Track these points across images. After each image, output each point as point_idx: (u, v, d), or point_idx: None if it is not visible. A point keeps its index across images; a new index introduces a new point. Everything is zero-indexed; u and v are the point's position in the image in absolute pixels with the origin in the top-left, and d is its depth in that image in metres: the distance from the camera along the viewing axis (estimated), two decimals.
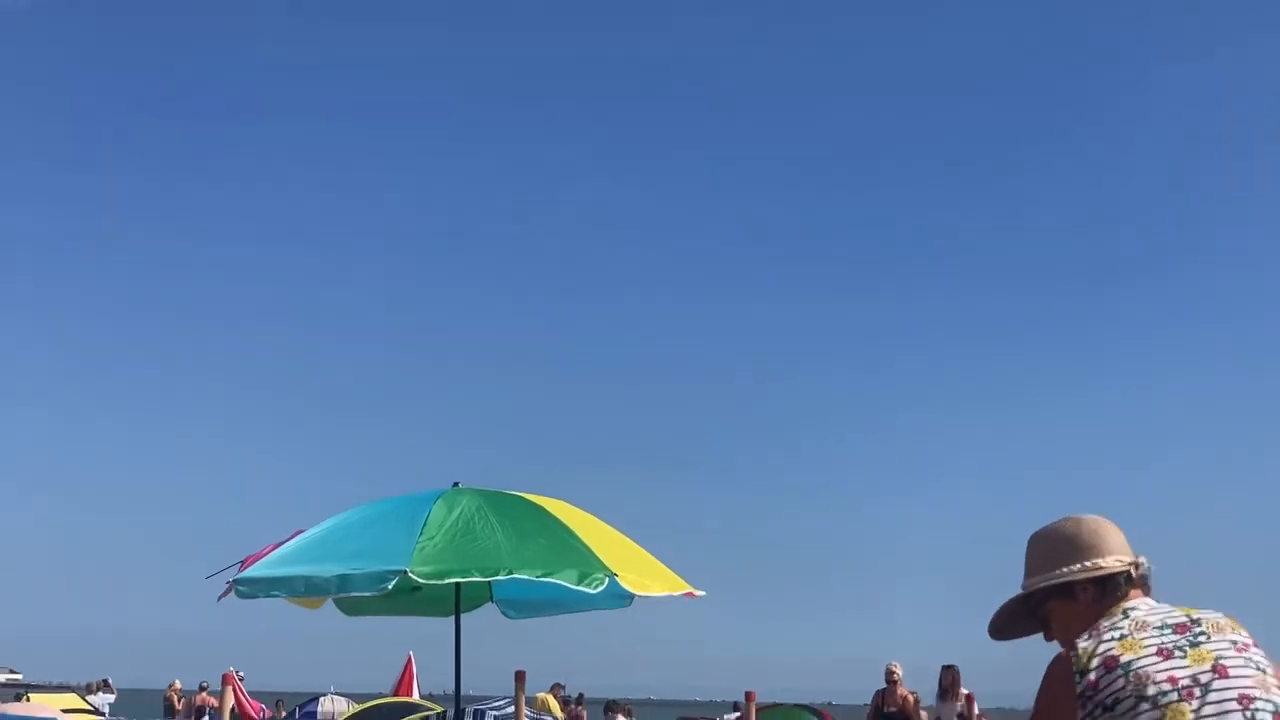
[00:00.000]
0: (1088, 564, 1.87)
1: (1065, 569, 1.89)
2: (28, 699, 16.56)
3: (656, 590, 6.07)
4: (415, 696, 14.13)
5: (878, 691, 9.73)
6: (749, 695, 7.96)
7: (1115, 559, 1.87)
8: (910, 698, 9.11)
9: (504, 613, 7.13)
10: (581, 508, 6.48)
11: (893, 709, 9.47)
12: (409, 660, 16.32)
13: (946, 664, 9.65)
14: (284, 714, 15.68)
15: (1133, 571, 1.87)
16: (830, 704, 16.52)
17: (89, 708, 18.96)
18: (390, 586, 5.43)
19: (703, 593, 6.30)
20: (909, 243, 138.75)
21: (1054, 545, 1.93)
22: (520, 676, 6.08)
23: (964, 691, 9.61)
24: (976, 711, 9.60)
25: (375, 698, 13.40)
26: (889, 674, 9.58)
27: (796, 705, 12.27)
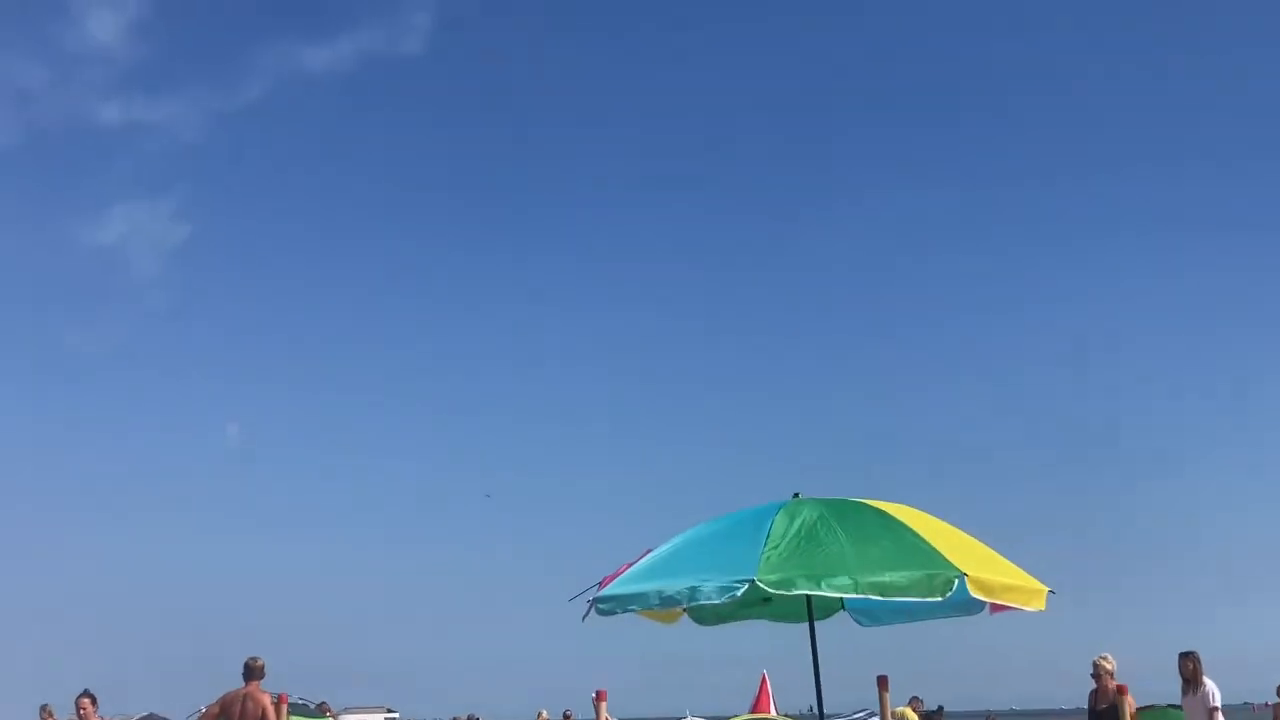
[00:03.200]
0: None
1: None
2: None
3: (1012, 596, 5.87)
4: (772, 713, 14.27)
5: (1090, 692, 9.19)
6: (1121, 688, 7.52)
7: None
8: (1122, 690, 8.28)
9: (856, 620, 7.12)
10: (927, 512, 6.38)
11: (1103, 706, 8.91)
12: (763, 679, 16.52)
13: (1185, 651, 8.84)
14: None
15: None
16: None
17: None
18: (739, 595, 5.56)
19: (1053, 591, 6.01)
20: None
21: None
22: (883, 682, 6.03)
23: (1208, 684, 8.73)
24: (1215, 704, 8.65)
25: (731, 718, 13.66)
26: (1096, 669, 9.09)
27: (1170, 705, 11.41)
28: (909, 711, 14.42)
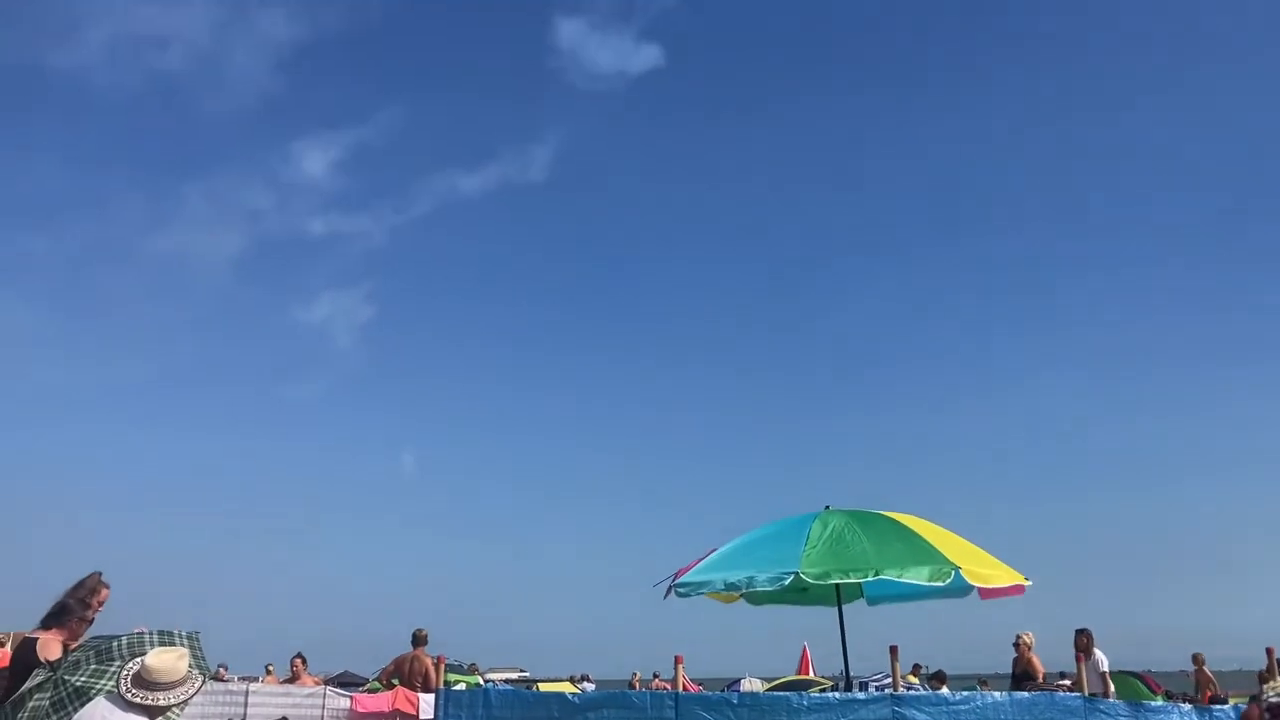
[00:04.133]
0: None
1: None
2: (537, 688, 20.58)
3: (995, 582, 7.59)
4: (812, 675, 16.27)
5: (1013, 659, 10.66)
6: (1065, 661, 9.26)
7: None
8: (1033, 660, 10.22)
9: (870, 602, 8.89)
10: (930, 519, 8.12)
11: (1019, 670, 10.48)
12: (804, 649, 18.61)
13: (1079, 628, 10.26)
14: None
15: None
16: (1150, 671, 16.79)
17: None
18: (786, 584, 7.32)
19: (1030, 582, 7.74)
20: None
21: None
22: (894, 651, 7.78)
23: (1098, 653, 10.16)
24: (1104, 669, 10.13)
25: (783, 678, 15.60)
26: (1016, 641, 10.55)
27: (1124, 672, 12.98)
28: (912, 676, 16.52)
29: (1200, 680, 14.61)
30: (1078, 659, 8.62)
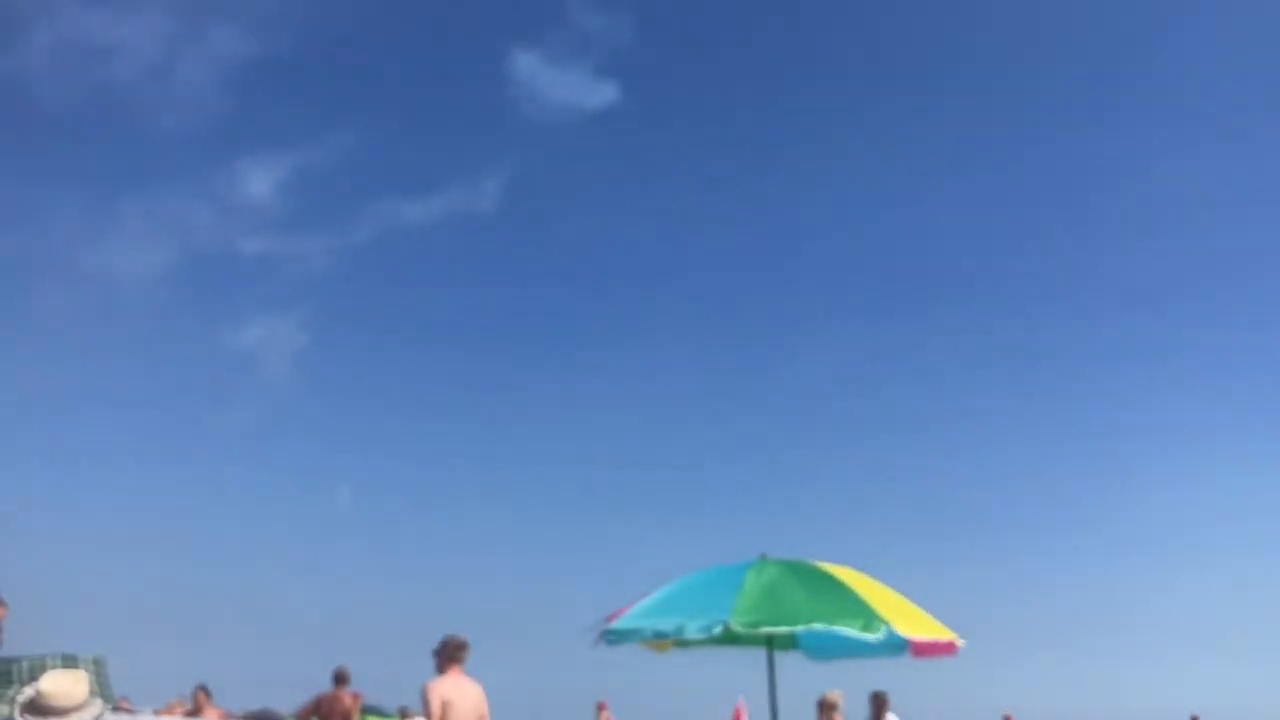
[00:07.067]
0: None
1: None
2: None
3: (928, 636, 7.53)
4: None
5: None
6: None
7: None
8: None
9: (809, 656, 8.78)
10: (865, 571, 8.05)
11: None
12: (739, 703, 18.33)
13: (875, 691, 10.34)
14: None
15: None
16: None
17: None
18: (717, 633, 7.18)
19: (964, 643, 7.68)
20: None
21: None
22: (824, 705, 7.71)
23: (890, 716, 10.21)
24: None
25: None
26: (821, 703, 10.18)
27: None
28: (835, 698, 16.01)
29: None
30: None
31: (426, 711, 7.13)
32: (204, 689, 11.16)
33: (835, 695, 10.10)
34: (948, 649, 7.89)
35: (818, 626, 7.12)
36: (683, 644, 8.69)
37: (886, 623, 7.12)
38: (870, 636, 7.11)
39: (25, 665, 4.87)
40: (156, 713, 12.52)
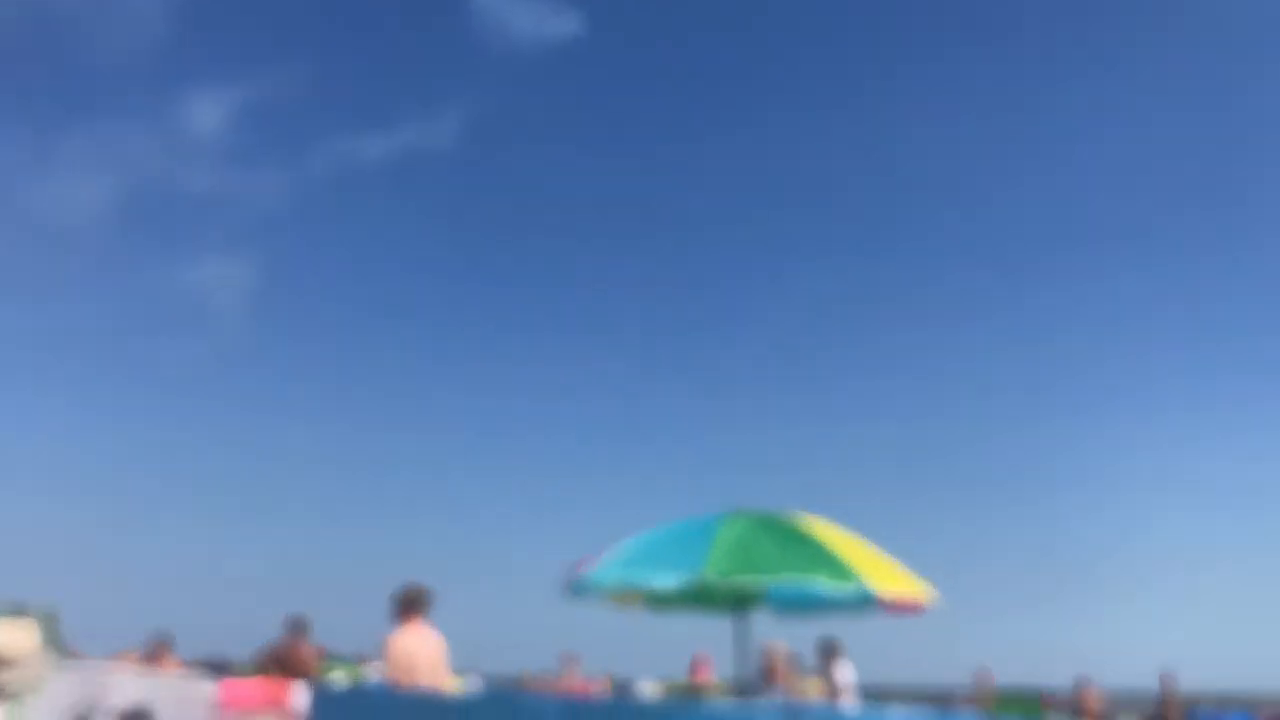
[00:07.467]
0: None
1: None
2: None
3: (900, 593, 7.38)
4: (712, 680, 16.04)
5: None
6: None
7: None
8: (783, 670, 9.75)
9: (776, 610, 8.63)
10: (842, 523, 7.89)
11: (768, 682, 10.01)
12: (702, 655, 18.35)
13: (825, 637, 10.38)
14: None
15: None
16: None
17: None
18: (687, 585, 7.01)
19: (937, 598, 7.54)
20: None
21: None
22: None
23: (842, 664, 10.28)
24: (848, 681, 10.17)
25: (680, 683, 15.38)
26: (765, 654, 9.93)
27: (1016, 690, 13.11)
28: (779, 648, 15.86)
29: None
30: (821, 670, 8.53)
31: (389, 663, 6.92)
32: (164, 639, 10.88)
33: (776, 644, 9.80)
34: (919, 605, 7.75)
35: (790, 578, 6.98)
36: (651, 600, 8.54)
37: (859, 576, 6.98)
38: (841, 590, 6.98)
39: None
40: (106, 661, 12.24)
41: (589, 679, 16.25)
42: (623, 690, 14.88)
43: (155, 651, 10.88)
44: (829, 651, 10.34)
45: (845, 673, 10.25)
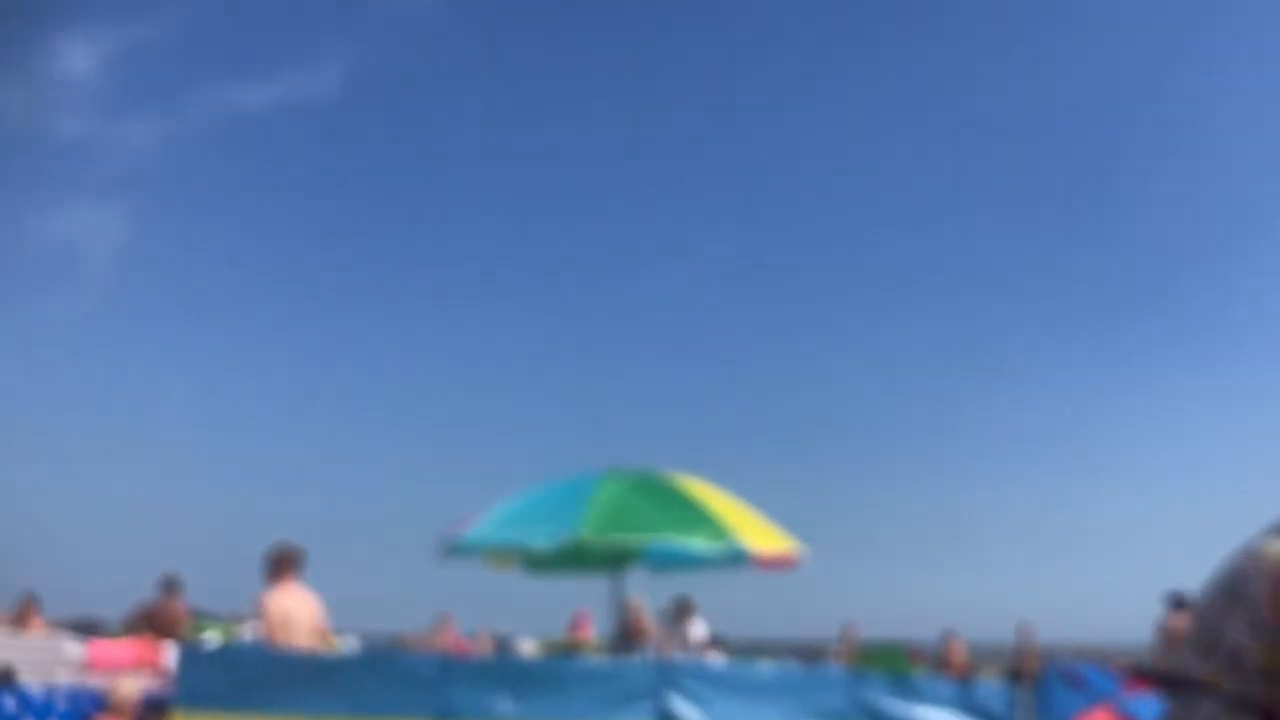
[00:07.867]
0: None
1: None
2: None
3: (772, 550, 7.62)
4: (592, 639, 16.27)
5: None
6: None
7: None
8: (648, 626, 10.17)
9: (652, 568, 8.82)
10: (717, 482, 8.07)
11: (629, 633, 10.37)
12: (583, 611, 18.61)
13: (678, 595, 10.83)
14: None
15: None
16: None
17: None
18: (562, 546, 7.10)
19: (806, 553, 7.81)
20: None
21: None
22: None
23: (696, 620, 10.79)
24: (701, 637, 10.69)
25: (558, 640, 15.55)
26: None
27: (885, 643, 13.63)
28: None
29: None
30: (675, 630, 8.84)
31: (266, 623, 6.86)
32: (30, 600, 10.56)
33: (637, 600, 9.98)
34: (790, 562, 7.99)
35: (665, 537, 7.13)
36: (527, 562, 8.62)
37: (731, 534, 7.17)
38: (715, 548, 7.16)
39: None
40: None
41: (468, 638, 16.34)
42: (502, 648, 14.98)
43: (21, 612, 10.56)
44: (682, 610, 10.64)
45: (698, 630, 10.55)
